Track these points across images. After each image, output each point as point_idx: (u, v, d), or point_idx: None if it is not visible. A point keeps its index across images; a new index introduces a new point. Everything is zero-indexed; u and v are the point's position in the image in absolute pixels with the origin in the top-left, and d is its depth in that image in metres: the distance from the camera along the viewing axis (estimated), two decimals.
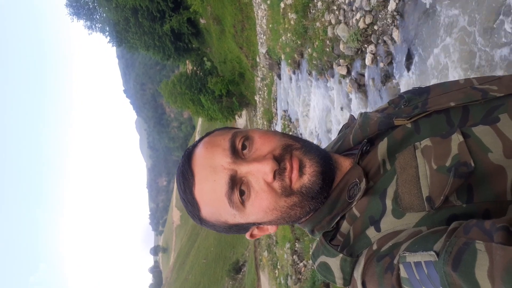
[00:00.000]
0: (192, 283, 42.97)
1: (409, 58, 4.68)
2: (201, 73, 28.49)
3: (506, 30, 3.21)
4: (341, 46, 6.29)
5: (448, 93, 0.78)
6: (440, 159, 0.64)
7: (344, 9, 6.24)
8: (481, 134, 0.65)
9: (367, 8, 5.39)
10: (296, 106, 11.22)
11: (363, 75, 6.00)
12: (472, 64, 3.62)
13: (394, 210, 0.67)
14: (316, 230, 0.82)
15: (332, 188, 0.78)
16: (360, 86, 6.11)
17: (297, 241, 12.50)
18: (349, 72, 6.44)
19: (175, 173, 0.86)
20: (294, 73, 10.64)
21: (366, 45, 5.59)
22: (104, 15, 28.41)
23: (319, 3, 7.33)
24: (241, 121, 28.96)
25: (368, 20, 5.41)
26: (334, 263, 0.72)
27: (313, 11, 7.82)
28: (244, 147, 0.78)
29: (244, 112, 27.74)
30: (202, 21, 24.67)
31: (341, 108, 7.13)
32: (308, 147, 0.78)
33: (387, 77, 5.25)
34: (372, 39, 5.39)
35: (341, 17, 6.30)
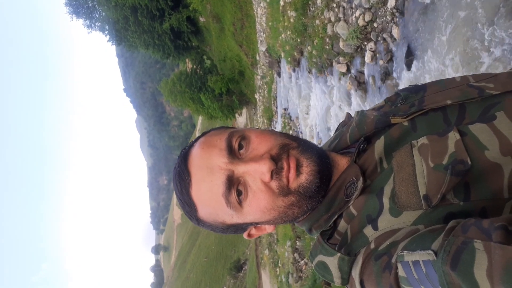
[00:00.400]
0: (194, 281, 43.06)
1: (409, 55, 4.67)
2: (201, 72, 28.45)
3: (506, 27, 3.20)
4: (341, 44, 6.28)
5: (444, 90, 0.78)
6: (437, 157, 0.64)
7: (343, 7, 6.23)
8: (478, 132, 0.65)
9: (367, 6, 5.38)
10: (296, 104, 11.22)
11: (362, 73, 5.99)
12: (471, 61, 3.61)
13: (391, 208, 0.66)
14: (313, 229, 0.81)
15: (329, 187, 0.78)
16: (360, 84, 6.10)
17: (298, 239, 12.51)
18: (348, 69, 6.44)
19: None
20: (294, 71, 10.63)
21: (365, 43, 5.58)
22: (104, 13, 28.36)
23: (319, 1, 7.31)
24: (241, 120, 28.95)
25: (367, 17, 5.40)
26: (332, 262, 0.72)
27: (313, 9, 7.80)
28: (240, 146, 0.78)
29: (244, 110, 27.72)
30: (201, 19, 24.63)
31: (341, 106, 7.13)
32: (305, 146, 0.77)
33: (386, 74, 5.24)
34: (371, 37, 5.38)
35: (340, 15, 6.29)
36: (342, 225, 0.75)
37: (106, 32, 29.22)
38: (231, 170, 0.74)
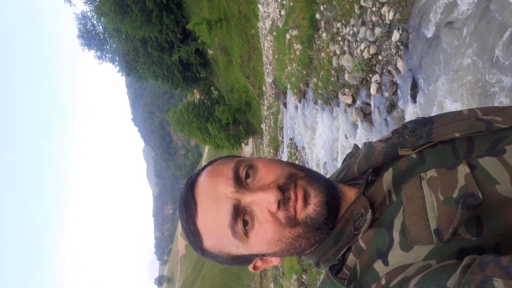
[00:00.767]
0: None
1: (414, 87, 4.71)
2: (208, 102, 28.88)
3: (510, 59, 3.23)
4: (346, 76, 6.37)
5: (452, 123, 0.78)
6: (447, 190, 0.63)
7: (348, 40, 6.36)
8: (488, 166, 0.64)
9: (371, 39, 5.50)
10: (302, 134, 11.26)
11: (368, 104, 6.03)
12: (477, 93, 3.63)
13: (402, 242, 0.65)
14: (321, 263, 0.80)
15: (337, 219, 0.76)
16: (366, 115, 6.13)
17: (304, 272, 12.19)
18: (354, 101, 6.49)
19: None
20: (300, 102, 10.74)
21: (371, 75, 5.66)
22: (114, 45, 29.24)
23: (324, 34, 7.48)
24: (247, 149, 29.03)
25: (372, 50, 5.49)
26: None
27: (318, 42, 7.97)
28: (247, 175, 0.77)
29: (250, 140, 27.86)
30: (209, 51, 25.25)
31: (347, 137, 7.14)
32: (312, 176, 0.77)
33: (392, 106, 5.27)
34: (376, 69, 5.46)
35: (345, 48, 6.42)
36: (351, 259, 0.74)
37: (116, 63, 30.02)
38: (237, 199, 0.74)
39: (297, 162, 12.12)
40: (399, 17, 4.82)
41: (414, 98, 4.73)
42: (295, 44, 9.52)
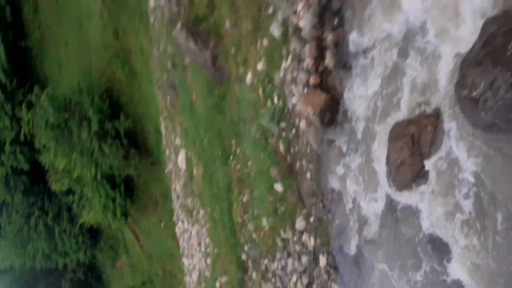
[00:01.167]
0: None
1: None
2: None
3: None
4: None
5: None
6: None
7: (279, 275, 6.20)
8: None
9: (301, 269, 5.41)
10: None
11: None
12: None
13: None
14: None
15: None
16: None
17: None
18: None
19: None
20: None
21: None
22: None
23: (254, 274, 7.30)
24: None
25: (305, 280, 5.33)
26: None
27: (250, 284, 7.67)
28: None
29: None
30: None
31: None
32: None
33: None
34: None
35: (278, 284, 6.17)
36: None
37: None
38: None
39: None
40: (319, 241, 4.97)
41: None
42: None
